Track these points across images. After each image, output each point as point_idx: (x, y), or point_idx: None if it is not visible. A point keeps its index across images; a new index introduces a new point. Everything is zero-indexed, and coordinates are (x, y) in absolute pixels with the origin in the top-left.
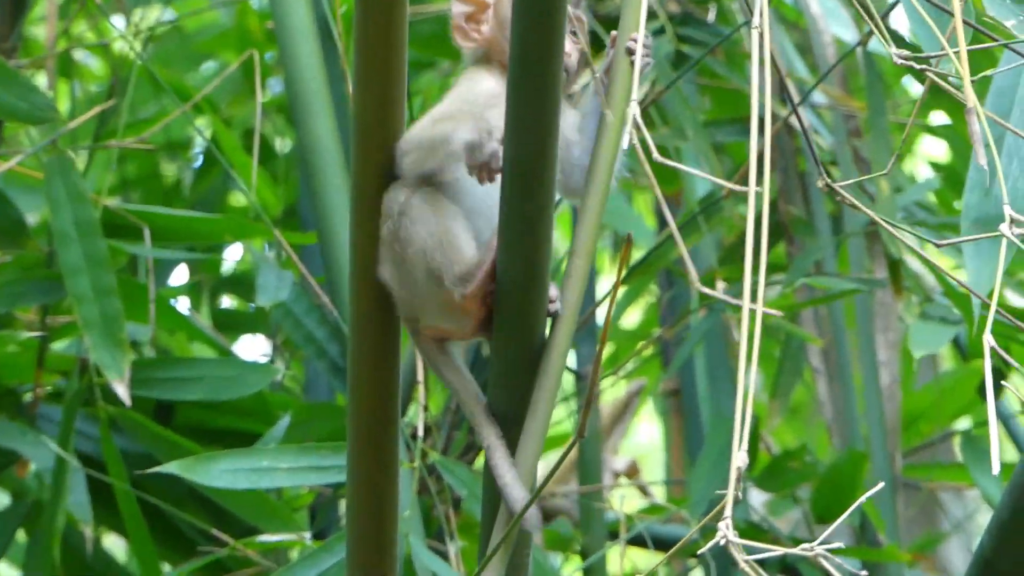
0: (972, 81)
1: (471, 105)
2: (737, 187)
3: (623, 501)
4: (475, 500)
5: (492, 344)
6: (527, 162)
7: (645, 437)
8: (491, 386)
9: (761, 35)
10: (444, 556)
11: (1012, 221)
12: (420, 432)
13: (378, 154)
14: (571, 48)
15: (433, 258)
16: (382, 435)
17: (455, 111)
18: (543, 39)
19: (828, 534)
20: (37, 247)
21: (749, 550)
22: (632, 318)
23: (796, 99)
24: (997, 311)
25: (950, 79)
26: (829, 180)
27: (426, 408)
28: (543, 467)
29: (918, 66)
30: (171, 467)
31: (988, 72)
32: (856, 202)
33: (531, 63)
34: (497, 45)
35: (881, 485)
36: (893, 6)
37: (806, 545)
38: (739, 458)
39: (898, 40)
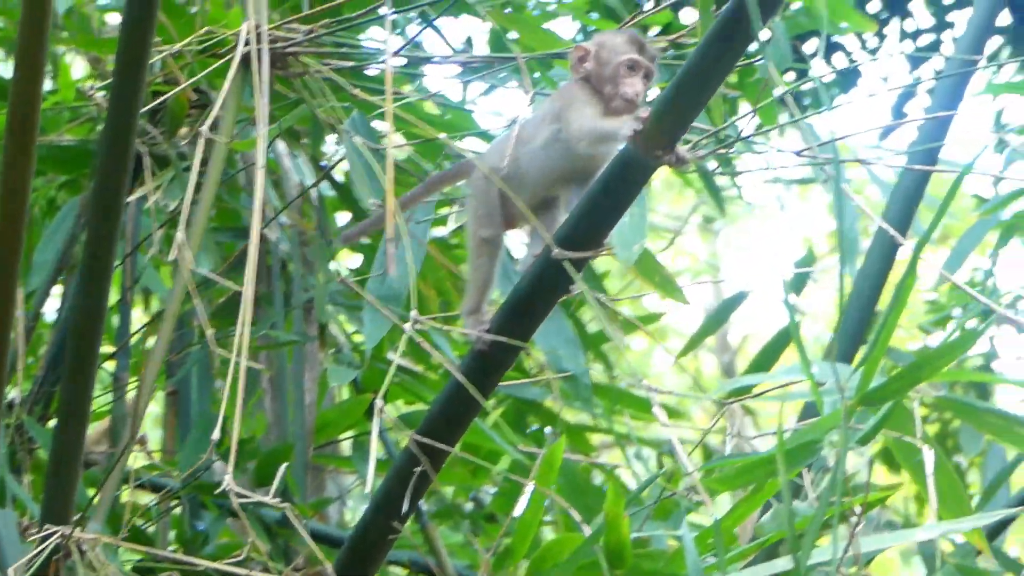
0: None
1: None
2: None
3: (135, 459)
4: (46, 448)
5: None
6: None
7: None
8: None
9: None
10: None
11: (415, 321)
12: (17, 400)
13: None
14: (642, 88)
15: None
16: None
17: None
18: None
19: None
20: None
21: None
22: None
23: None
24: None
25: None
26: None
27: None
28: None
29: None
30: None
31: None
32: None
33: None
34: (596, 75)
35: (297, 464)
36: (339, 161)
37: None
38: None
39: (336, 185)
